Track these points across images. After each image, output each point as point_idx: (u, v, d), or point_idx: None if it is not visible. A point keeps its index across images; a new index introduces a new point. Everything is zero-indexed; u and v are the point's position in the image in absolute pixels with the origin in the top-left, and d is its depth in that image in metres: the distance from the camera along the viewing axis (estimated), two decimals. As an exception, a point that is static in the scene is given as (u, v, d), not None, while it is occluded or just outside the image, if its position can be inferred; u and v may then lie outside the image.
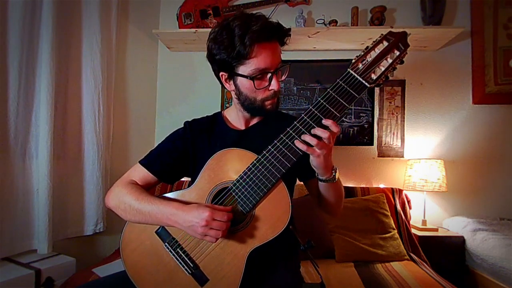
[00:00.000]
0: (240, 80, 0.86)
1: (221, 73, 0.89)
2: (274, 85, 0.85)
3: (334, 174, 0.83)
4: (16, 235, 1.46)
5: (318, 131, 0.74)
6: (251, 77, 0.83)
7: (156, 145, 0.98)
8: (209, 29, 1.98)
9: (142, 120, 2.22)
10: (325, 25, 2.00)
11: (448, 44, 2.05)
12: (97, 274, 1.28)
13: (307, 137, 0.74)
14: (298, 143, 0.75)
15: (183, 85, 2.29)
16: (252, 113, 0.93)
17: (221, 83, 0.94)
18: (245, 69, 0.83)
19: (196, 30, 1.96)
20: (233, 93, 0.92)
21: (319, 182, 0.86)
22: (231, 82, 0.89)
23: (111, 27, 1.90)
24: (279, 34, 0.84)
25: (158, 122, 2.31)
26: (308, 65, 2.14)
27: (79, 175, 1.75)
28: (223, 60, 0.84)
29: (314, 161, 0.78)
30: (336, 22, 2.01)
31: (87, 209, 1.77)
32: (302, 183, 1.02)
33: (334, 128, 0.74)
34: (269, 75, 0.84)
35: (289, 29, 0.85)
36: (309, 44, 2.09)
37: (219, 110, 2.18)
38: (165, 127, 2.24)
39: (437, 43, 2.03)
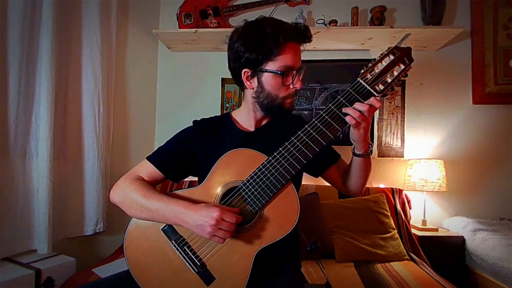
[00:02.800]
0: (266, 76, 0.88)
1: (244, 70, 0.90)
2: (297, 83, 0.89)
3: (371, 148, 0.87)
4: (16, 235, 1.46)
5: (358, 105, 0.76)
6: (281, 72, 0.86)
7: (156, 145, 0.99)
8: (209, 29, 2.01)
9: (142, 120, 2.22)
10: (325, 25, 2.00)
11: (448, 44, 2.05)
12: (97, 274, 1.28)
13: (350, 110, 0.76)
14: (347, 110, 0.77)
15: (183, 85, 2.29)
16: (269, 112, 0.93)
17: (238, 81, 0.94)
18: (273, 65, 0.86)
19: (196, 30, 1.96)
20: (251, 92, 0.92)
21: (354, 158, 0.90)
22: (254, 79, 0.90)
23: (111, 27, 1.89)
24: (306, 38, 0.89)
25: (158, 122, 2.31)
26: (308, 65, 2.08)
27: (79, 175, 1.75)
28: (252, 57, 0.86)
29: (354, 135, 0.82)
30: (336, 22, 2.01)
31: (87, 209, 1.77)
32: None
33: (376, 103, 0.76)
34: (293, 73, 0.88)
35: (311, 35, 0.90)
36: (309, 44, 2.08)
37: (219, 109, 2.23)
38: (165, 127, 2.25)
39: (437, 43, 2.03)
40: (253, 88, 0.91)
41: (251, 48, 0.86)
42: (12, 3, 1.41)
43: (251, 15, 2.12)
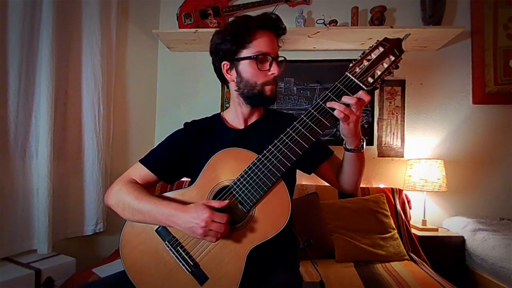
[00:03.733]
0: (242, 64, 0.90)
1: (223, 63, 0.93)
2: (274, 69, 0.90)
3: (362, 143, 0.86)
4: (16, 235, 1.46)
5: (346, 98, 0.76)
6: (255, 56, 0.88)
7: (156, 145, 0.99)
8: (209, 29, 2.02)
9: (142, 120, 2.22)
10: (325, 25, 2.00)
11: (448, 44, 2.05)
12: (97, 274, 1.28)
13: (335, 104, 0.76)
14: (332, 104, 0.76)
15: (183, 85, 2.29)
16: (252, 102, 0.94)
17: (221, 78, 0.97)
18: (247, 52, 0.89)
19: (196, 30, 1.96)
20: (233, 85, 0.95)
21: (346, 154, 0.89)
22: (233, 71, 0.93)
23: (111, 27, 1.90)
24: (277, 27, 0.92)
25: (158, 122, 2.31)
26: (308, 65, 2.14)
27: (79, 175, 1.75)
28: (227, 48, 0.90)
29: (344, 129, 0.80)
30: (336, 22, 2.01)
31: (87, 209, 1.77)
32: (301, 183, 1.03)
33: (365, 97, 0.76)
34: (270, 59, 0.90)
35: (285, 27, 0.93)
36: (309, 44, 2.09)
37: (219, 109, 2.23)
38: (165, 127, 2.25)
39: (437, 43, 2.03)
40: (234, 80, 0.94)
41: (225, 40, 0.90)
42: (12, 3, 1.41)
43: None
